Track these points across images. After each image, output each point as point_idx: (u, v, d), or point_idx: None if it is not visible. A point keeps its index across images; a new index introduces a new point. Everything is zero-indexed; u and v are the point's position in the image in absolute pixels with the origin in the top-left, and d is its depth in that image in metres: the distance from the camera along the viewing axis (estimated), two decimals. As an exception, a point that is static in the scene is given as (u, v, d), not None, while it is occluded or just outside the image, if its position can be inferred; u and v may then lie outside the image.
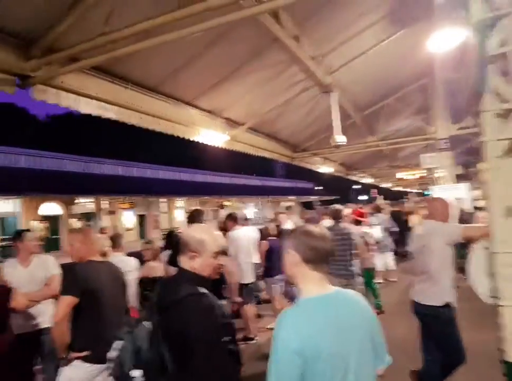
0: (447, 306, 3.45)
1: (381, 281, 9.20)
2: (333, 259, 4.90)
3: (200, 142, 7.04)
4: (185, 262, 1.87)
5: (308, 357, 1.40)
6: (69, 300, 2.56)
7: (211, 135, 7.18)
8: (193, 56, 5.26)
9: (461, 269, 3.59)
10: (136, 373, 1.64)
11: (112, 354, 1.70)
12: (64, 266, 3.56)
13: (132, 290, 4.17)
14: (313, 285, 1.61)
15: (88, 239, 2.90)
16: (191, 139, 6.78)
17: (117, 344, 1.70)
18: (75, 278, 2.65)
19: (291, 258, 1.65)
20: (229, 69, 6.00)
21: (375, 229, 9.33)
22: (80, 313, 2.66)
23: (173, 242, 5.39)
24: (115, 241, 4.33)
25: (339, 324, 1.50)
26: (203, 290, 1.80)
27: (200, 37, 3.98)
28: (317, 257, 1.61)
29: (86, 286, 2.62)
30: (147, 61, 4.99)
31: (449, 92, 10.05)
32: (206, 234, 1.90)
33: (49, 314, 3.47)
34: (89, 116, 5.04)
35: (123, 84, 5.22)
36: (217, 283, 3.93)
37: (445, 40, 5.38)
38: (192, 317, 1.66)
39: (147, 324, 1.70)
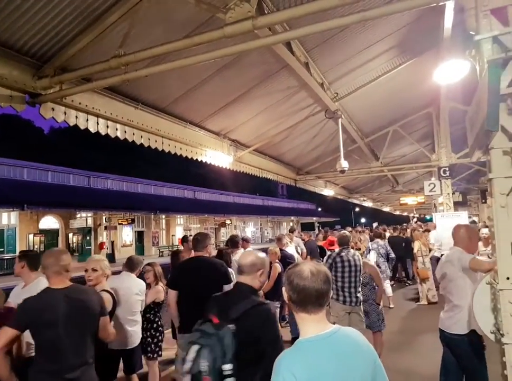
0: (472, 333, 3.31)
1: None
2: (342, 286, 4.78)
3: (206, 162, 7.08)
4: (243, 279, 2.34)
5: None
6: (8, 333, 2.34)
7: (217, 156, 7.24)
8: (204, 79, 5.34)
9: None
10: (227, 367, 1.96)
11: (190, 356, 1.98)
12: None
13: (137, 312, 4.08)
14: (309, 325, 1.55)
15: (54, 262, 2.57)
16: (198, 159, 6.83)
17: (194, 348, 2.00)
18: (22, 311, 2.44)
19: (285, 297, 1.63)
20: (239, 93, 6.10)
21: (370, 255, 9.23)
22: (35, 346, 2.49)
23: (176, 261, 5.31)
24: (131, 263, 4.23)
25: (338, 365, 1.45)
26: (263, 299, 2.32)
27: (212, 62, 4.04)
28: (303, 300, 1.54)
29: (33, 319, 2.39)
30: (158, 83, 5.07)
31: (451, 122, 10.19)
32: (256, 257, 2.41)
33: None
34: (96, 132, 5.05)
35: (133, 104, 5.28)
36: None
37: (451, 72, 5.47)
38: (266, 322, 2.14)
39: (231, 327, 2.01)
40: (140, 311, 4.19)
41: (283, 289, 1.66)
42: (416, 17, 5.76)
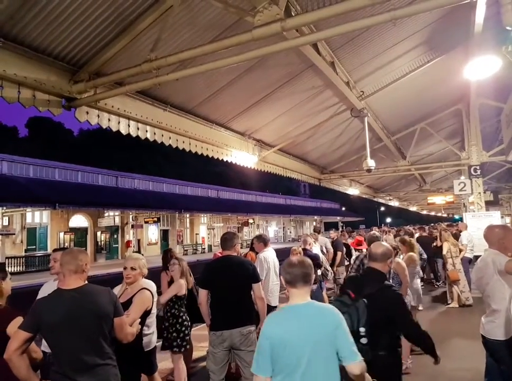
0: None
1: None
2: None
3: (231, 162, 7.16)
4: (375, 265, 2.94)
5: (275, 344, 2.05)
6: (21, 335, 2.34)
7: (242, 156, 7.31)
8: (229, 81, 5.42)
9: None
10: (362, 329, 2.57)
11: None
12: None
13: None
14: (295, 297, 2.19)
15: (68, 261, 2.49)
16: (224, 159, 6.92)
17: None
18: (32, 312, 2.42)
19: (283, 281, 2.28)
20: (263, 94, 6.14)
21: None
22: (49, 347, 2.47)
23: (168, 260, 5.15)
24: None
25: (303, 323, 2.08)
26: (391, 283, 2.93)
27: (237, 64, 4.10)
28: (294, 279, 2.18)
29: (41, 321, 2.37)
30: (185, 85, 5.17)
31: (481, 118, 9.88)
32: (387, 248, 3.01)
33: None
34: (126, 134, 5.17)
35: (162, 107, 5.40)
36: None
37: (482, 68, 5.33)
38: (397, 301, 2.78)
39: (364, 300, 2.62)
40: (158, 310, 4.14)
41: (281, 277, 2.30)
42: (444, 13, 5.63)
